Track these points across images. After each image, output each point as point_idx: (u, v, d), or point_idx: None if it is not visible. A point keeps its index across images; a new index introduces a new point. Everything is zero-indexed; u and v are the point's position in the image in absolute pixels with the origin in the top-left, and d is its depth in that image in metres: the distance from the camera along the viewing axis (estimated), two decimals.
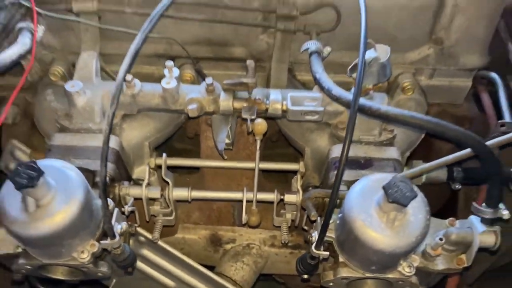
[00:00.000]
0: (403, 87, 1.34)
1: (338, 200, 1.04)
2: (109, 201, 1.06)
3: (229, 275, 1.39)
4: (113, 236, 1.01)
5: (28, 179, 0.88)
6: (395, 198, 0.86)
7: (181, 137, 1.53)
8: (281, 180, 1.49)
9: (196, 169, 1.47)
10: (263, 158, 1.36)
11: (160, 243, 1.31)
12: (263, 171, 1.37)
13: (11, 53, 1.07)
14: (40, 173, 0.89)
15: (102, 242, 1.02)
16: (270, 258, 1.46)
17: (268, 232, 1.44)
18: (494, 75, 1.57)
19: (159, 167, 1.28)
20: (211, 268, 1.42)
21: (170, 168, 1.31)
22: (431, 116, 1.41)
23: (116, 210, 1.06)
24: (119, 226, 1.06)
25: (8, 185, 0.95)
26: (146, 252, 1.34)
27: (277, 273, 1.55)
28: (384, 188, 0.88)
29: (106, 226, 1.00)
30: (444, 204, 1.61)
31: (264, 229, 1.43)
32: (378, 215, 0.92)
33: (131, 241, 1.29)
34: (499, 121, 1.43)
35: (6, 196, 0.95)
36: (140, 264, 1.34)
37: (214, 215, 1.45)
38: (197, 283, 1.36)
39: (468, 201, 1.53)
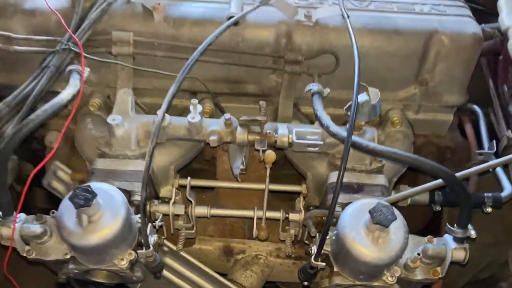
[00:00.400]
0: (392, 121, 1.56)
1: (334, 219, 1.25)
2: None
3: (240, 282, 1.59)
4: (148, 247, 1.22)
5: (85, 200, 1.10)
6: (378, 220, 1.08)
7: (198, 158, 1.74)
8: (286, 198, 1.69)
9: (211, 187, 1.68)
10: (271, 179, 1.58)
11: (181, 252, 1.52)
12: (271, 191, 1.58)
13: (66, 94, 1.29)
14: (94, 195, 1.11)
15: (138, 251, 1.24)
16: (275, 268, 1.66)
17: (274, 244, 1.64)
18: (475, 107, 1.78)
19: (181, 186, 1.50)
20: (223, 275, 1.62)
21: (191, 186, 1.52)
22: (418, 145, 1.65)
23: (149, 225, 1.28)
24: (152, 238, 1.27)
25: (65, 203, 1.17)
26: (168, 260, 1.54)
27: (281, 281, 1.75)
28: (370, 212, 1.09)
29: (143, 239, 1.21)
30: (430, 221, 1.82)
31: (270, 242, 1.63)
32: (365, 233, 1.13)
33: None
34: (477, 151, 1.64)
35: (64, 213, 1.16)
36: (163, 271, 1.55)
37: (227, 229, 1.66)
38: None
39: (451, 219, 1.73)
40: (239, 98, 1.60)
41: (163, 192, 1.48)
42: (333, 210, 1.14)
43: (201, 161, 1.74)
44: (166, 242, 1.50)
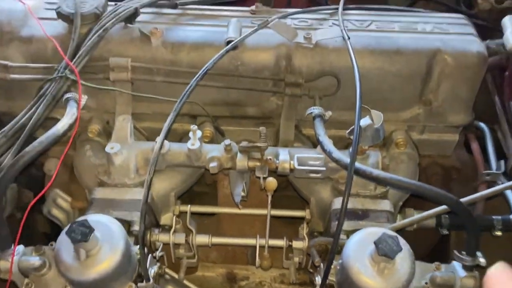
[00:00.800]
0: (396, 142, 1.52)
1: (338, 247, 1.21)
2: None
3: None
4: (148, 280, 1.19)
5: (82, 235, 1.07)
6: (384, 252, 1.04)
7: (199, 181, 1.71)
8: (289, 221, 1.66)
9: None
10: (273, 202, 1.54)
11: (183, 281, 1.49)
12: (273, 216, 1.55)
13: (63, 124, 1.27)
14: (91, 229, 1.08)
15: (139, 284, 1.20)
16: None
17: (278, 270, 1.61)
18: (482, 125, 1.75)
19: (182, 213, 1.47)
20: None
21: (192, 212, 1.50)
22: (423, 167, 1.62)
23: (149, 256, 1.25)
24: (152, 270, 1.24)
25: (62, 237, 1.14)
26: None
27: None
28: (375, 243, 1.06)
29: (143, 272, 1.18)
30: (438, 242, 1.77)
31: (274, 267, 1.60)
32: (370, 264, 1.10)
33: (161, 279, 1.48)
34: (485, 171, 1.60)
35: (61, 247, 1.14)
36: None
37: (229, 255, 1.63)
38: None
39: (459, 241, 1.69)
40: (239, 121, 1.57)
41: (164, 219, 1.46)
42: (337, 240, 1.11)
43: (202, 183, 1.72)
44: (167, 270, 1.47)
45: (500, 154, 1.68)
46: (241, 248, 1.62)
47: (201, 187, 1.73)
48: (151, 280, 1.20)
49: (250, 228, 1.58)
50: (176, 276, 1.49)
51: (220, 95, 1.52)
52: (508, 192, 1.49)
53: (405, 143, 1.52)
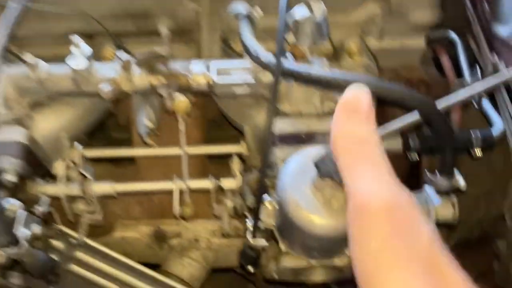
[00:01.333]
0: (349, 52, 1.21)
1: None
2: (14, 202, 0.93)
3: (176, 273, 1.26)
4: (16, 243, 0.87)
5: None
6: (326, 173, 0.73)
7: (118, 125, 1.39)
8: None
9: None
10: (208, 141, 1.24)
11: (94, 244, 1.18)
12: (204, 156, 1.24)
13: None
14: None
15: (7, 250, 0.89)
16: (221, 250, 1.33)
17: (217, 221, 1.31)
18: (452, 34, 1.46)
19: (89, 159, 1.15)
20: (157, 266, 1.30)
21: (106, 160, 1.18)
22: None
23: (23, 212, 0.93)
24: (28, 231, 0.92)
25: None
26: (80, 255, 1.20)
27: (232, 265, 1.42)
28: (315, 164, 0.75)
29: (8, 235, 0.86)
30: (407, 176, 1.51)
31: (211, 219, 1.30)
32: (313, 194, 0.79)
33: (62, 243, 1.17)
34: (458, 79, 1.33)
35: None
36: (76, 268, 1.22)
37: (156, 209, 1.32)
38: (141, 284, 1.24)
39: (432, 168, 1.42)
40: (150, 38, 1.22)
41: (57, 167, 1.12)
42: (265, 168, 0.80)
43: (122, 127, 1.39)
44: (71, 232, 1.16)
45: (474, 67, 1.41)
46: (168, 198, 1.30)
47: (121, 132, 1.41)
48: (24, 244, 0.88)
49: (176, 173, 1.27)
50: (85, 240, 1.18)
51: (120, 3, 1.17)
52: (485, 104, 1.21)
53: (360, 51, 1.21)
